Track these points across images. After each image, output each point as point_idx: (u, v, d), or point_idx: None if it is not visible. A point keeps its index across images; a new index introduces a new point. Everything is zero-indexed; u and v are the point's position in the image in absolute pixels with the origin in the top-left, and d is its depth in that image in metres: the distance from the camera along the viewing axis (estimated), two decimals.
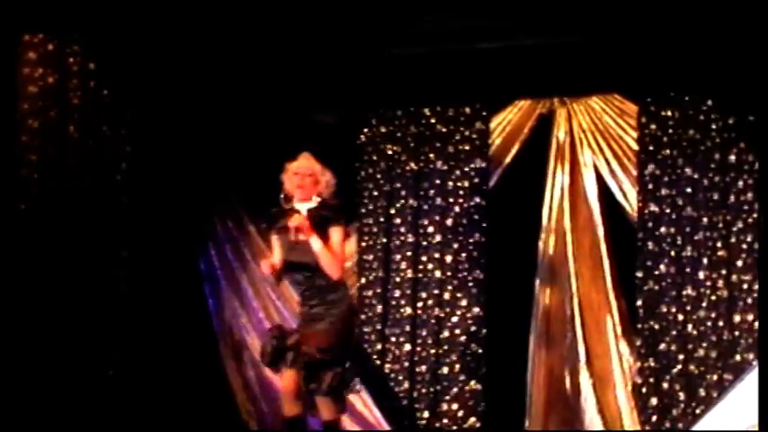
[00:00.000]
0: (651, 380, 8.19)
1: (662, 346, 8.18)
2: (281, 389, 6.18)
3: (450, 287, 8.69)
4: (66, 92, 7.57)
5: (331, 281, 6.10)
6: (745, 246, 8.01)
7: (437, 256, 8.76)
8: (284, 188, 6.25)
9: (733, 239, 8.05)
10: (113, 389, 7.67)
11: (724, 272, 8.05)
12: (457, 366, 8.56)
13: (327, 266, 6.06)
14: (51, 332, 7.31)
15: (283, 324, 6.83)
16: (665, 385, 8.14)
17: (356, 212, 8.89)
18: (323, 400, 6.04)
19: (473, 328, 8.60)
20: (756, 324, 7.89)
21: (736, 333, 7.96)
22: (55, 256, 7.40)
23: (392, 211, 8.84)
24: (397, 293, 8.77)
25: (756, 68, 7.70)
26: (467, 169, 8.76)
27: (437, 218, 8.79)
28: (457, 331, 8.62)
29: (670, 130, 8.31)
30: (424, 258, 8.77)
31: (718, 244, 8.09)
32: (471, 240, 8.70)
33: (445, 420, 8.54)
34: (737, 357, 7.93)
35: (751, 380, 7.29)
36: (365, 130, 8.95)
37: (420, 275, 8.76)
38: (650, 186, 8.34)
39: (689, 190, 8.21)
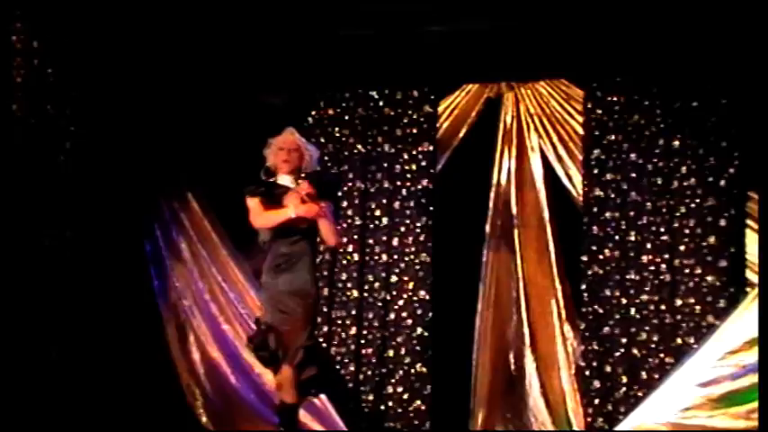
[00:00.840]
0: (594, 363, 8.24)
1: (605, 329, 8.24)
2: (281, 380, 6.18)
3: (396, 270, 8.69)
4: (10, 69, 7.42)
5: (309, 250, 6.27)
6: (687, 231, 8.10)
7: (384, 239, 8.76)
8: (268, 162, 6.35)
9: (676, 224, 8.12)
10: (56, 372, 7.54)
11: (667, 256, 8.12)
12: (403, 349, 8.58)
13: (329, 233, 6.28)
14: None
15: (253, 326, 6.69)
16: (608, 368, 8.20)
17: None
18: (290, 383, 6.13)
19: (419, 312, 8.61)
20: (698, 308, 8.00)
21: (678, 317, 8.05)
22: None
23: (339, 194, 8.78)
24: (344, 276, 8.77)
25: (701, 55, 7.84)
26: (414, 152, 8.77)
27: (384, 201, 8.79)
28: (403, 314, 8.63)
29: (615, 116, 8.38)
30: (370, 241, 8.77)
31: (662, 229, 8.15)
32: (418, 224, 8.70)
33: (390, 403, 8.55)
34: (679, 341, 8.01)
35: (691, 364, 7.44)
36: (312, 112, 8.90)
37: (367, 258, 8.76)
38: (595, 171, 8.40)
39: (633, 175, 8.27)
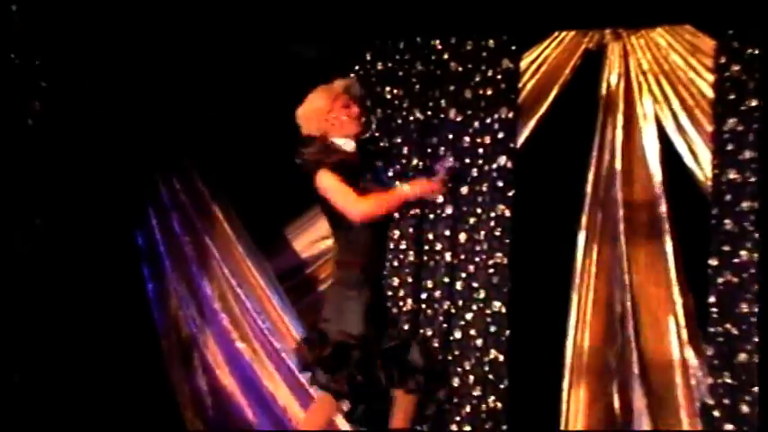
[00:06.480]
0: (726, 401, 7.29)
1: (741, 356, 7.31)
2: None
3: (463, 275, 7.79)
4: None
5: None
6: None
7: (447, 233, 7.80)
8: (322, 123, 5.32)
9: None
10: (21, 398, 7.04)
11: None
12: (471, 378, 7.63)
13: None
14: None
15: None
16: (745, 408, 7.24)
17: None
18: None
19: (492, 329, 7.65)
20: None
21: None
22: None
23: (390, 173, 7.89)
24: (396, 282, 7.82)
25: None
26: (489, 121, 7.78)
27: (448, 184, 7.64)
28: (471, 332, 7.67)
29: (756, 74, 7.36)
30: (430, 236, 7.85)
31: None
32: (493, 214, 7.72)
33: None
34: None
35: None
36: (356, 66, 8.03)
37: (425, 258, 7.86)
38: (730, 147, 7.43)
39: None
